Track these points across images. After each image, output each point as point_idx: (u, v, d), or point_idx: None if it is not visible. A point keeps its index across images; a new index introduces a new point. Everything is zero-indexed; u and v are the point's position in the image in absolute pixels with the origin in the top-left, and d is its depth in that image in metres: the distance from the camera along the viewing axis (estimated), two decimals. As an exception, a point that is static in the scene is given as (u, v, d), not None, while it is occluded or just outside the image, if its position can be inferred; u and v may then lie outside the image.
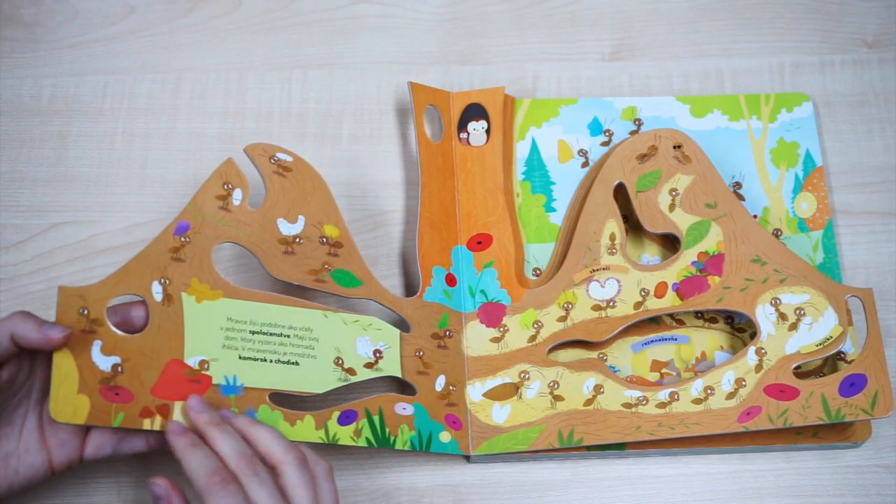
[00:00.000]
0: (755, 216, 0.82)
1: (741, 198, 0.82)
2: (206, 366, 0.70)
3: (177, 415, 0.68)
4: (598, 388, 0.75)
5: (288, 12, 0.90)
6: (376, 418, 0.73)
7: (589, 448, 0.75)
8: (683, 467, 0.77)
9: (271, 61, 0.88)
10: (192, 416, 0.67)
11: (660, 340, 0.79)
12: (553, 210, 0.82)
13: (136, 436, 0.69)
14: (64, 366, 0.66)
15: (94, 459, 0.69)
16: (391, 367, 0.75)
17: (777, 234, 0.82)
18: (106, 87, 0.87)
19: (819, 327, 0.75)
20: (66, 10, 0.89)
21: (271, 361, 0.71)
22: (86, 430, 0.69)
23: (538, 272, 0.81)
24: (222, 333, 0.71)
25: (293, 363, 0.72)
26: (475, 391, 0.76)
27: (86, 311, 0.67)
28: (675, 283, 0.77)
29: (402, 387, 0.76)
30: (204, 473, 0.62)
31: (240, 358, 0.71)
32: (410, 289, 0.81)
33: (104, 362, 0.67)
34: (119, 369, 0.68)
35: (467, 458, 0.76)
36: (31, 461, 0.66)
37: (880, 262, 0.83)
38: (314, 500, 0.63)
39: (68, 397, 0.66)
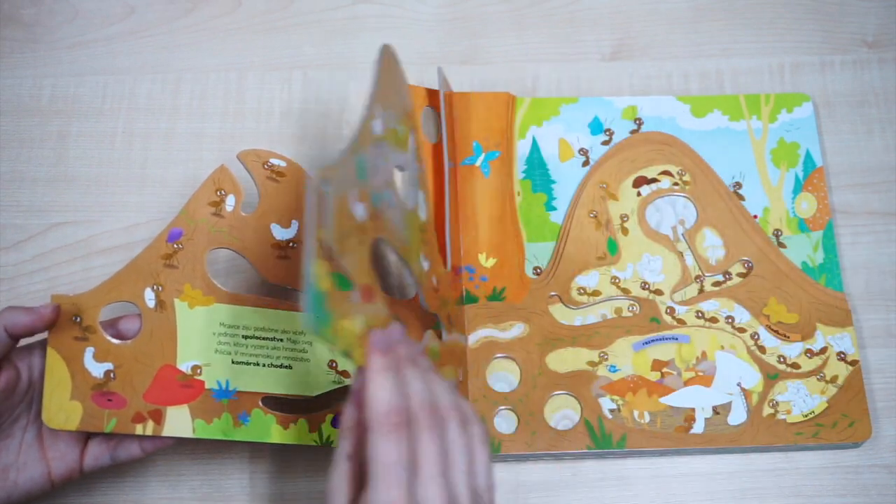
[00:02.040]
0: (755, 216, 0.82)
1: (741, 198, 0.82)
2: (198, 371, 0.69)
3: (169, 419, 0.68)
4: None
5: (288, 12, 0.90)
6: None
7: (590, 447, 0.75)
8: (683, 467, 0.76)
9: (271, 61, 0.88)
10: (393, 345, 0.58)
11: (660, 340, 0.78)
12: (553, 209, 0.82)
13: (132, 442, 0.68)
14: (57, 372, 0.66)
15: (94, 469, 0.68)
16: None
17: (777, 234, 0.81)
18: (106, 87, 0.86)
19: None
20: (66, 10, 0.89)
21: (264, 365, 0.70)
22: (84, 441, 0.68)
23: (538, 270, 0.80)
24: (215, 339, 0.70)
25: (286, 367, 0.71)
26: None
27: (78, 319, 0.67)
28: None
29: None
30: (384, 408, 0.54)
31: (232, 362, 0.70)
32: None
33: (97, 369, 0.67)
34: (111, 375, 0.67)
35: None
36: (31, 474, 0.66)
37: (880, 262, 0.82)
38: (470, 465, 0.55)
39: (61, 403, 0.66)
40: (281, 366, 0.71)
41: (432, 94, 0.82)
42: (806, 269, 0.80)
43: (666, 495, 0.75)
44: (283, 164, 0.72)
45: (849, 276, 0.81)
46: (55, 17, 0.88)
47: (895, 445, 0.77)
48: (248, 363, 0.70)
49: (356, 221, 0.59)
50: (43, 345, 0.67)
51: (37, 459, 0.66)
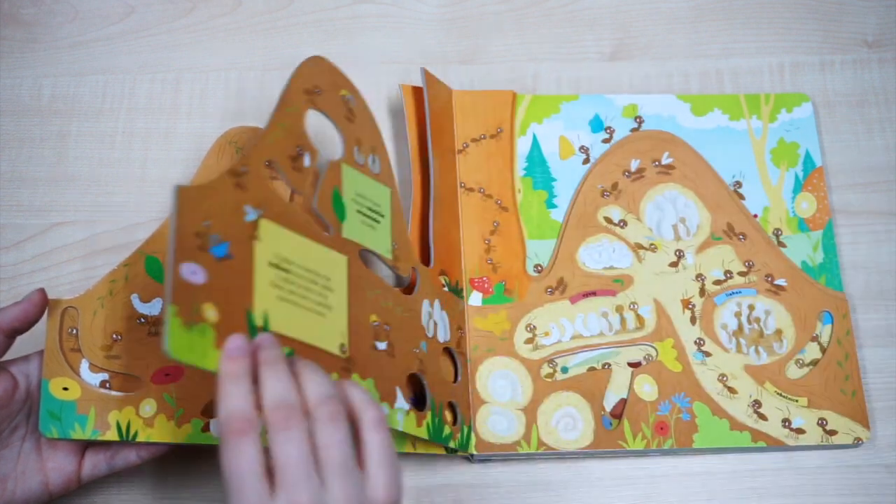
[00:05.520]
0: (755, 215, 0.82)
1: (741, 197, 0.82)
2: None
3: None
4: None
5: (288, 12, 0.89)
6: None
7: (591, 447, 0.75)
8: (683, 467, 0.76)
9: (271, 61, 0.87)
10: (260, 350, 0.55)
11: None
12: (554, 206, 0.81)
13: (128, 449, 0.68)
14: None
15: (91, 479, 0.68)
16: None
17: (777, 233, 0.81)
18: (106, 87, 0.86)
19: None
20: (66, 10, 0.88)
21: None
22: (82, 451, 0.67)
23: (539, 268, 0.80)
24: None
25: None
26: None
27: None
28: None
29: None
30: (227, 415, 0.52)
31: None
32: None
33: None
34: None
35: (468, 458, 0.76)
36: (28, 484, 0.65)
37: (880, 262, 0.82)
38: (345, 461, 0.52)
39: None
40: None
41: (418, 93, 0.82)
42: (806, 268, 0.80)
43: (666, 495, 0.75)
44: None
45: (848, 275, 0.81)
46: (55, 17, 0.88)
47: (894, 445, 0.77)
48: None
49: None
50: (40, 354, 0.66)
51: (35, 470, 0.66)
